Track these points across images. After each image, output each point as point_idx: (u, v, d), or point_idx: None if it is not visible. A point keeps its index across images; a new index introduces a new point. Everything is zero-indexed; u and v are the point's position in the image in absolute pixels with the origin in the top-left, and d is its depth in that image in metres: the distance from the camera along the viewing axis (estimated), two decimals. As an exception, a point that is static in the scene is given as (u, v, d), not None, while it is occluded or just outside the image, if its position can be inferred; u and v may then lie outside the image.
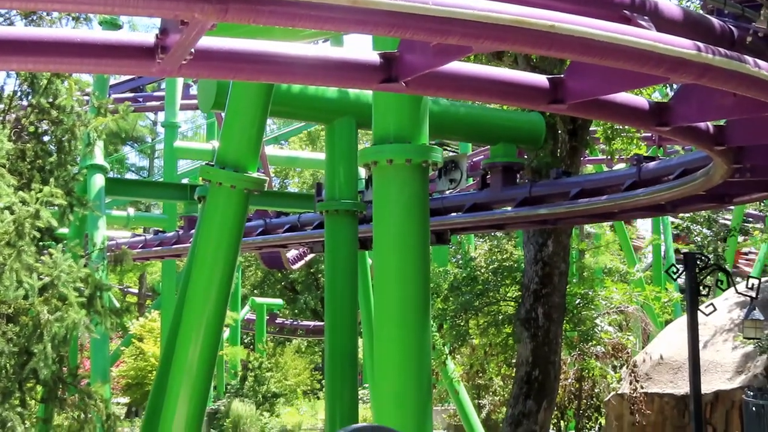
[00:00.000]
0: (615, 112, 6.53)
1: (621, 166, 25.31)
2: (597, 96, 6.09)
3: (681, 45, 5.04)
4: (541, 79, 6.27)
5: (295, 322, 42.24)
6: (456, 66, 5.75)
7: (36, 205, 9.39)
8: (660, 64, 5.08)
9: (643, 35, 4.99)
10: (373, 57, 5.66)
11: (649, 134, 23.26)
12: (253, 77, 6.71)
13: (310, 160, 31.68)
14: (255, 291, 47.62)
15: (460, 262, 25.26)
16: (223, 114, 11.68)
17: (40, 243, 10.45)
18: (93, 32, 5.10)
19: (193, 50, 4.82)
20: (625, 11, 5.59)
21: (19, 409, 9.87)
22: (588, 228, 28.35)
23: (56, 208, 10.24)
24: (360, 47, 6.92)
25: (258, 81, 9.40)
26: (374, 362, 8.27)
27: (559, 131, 14.46)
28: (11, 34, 4.91)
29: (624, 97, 6.49)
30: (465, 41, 4.66)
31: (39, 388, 10.62)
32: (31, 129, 11.09)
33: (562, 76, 6.20)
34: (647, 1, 5.77)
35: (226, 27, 6.45)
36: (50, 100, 11.09)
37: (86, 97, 12.61)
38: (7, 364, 9.86)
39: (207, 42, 5.12)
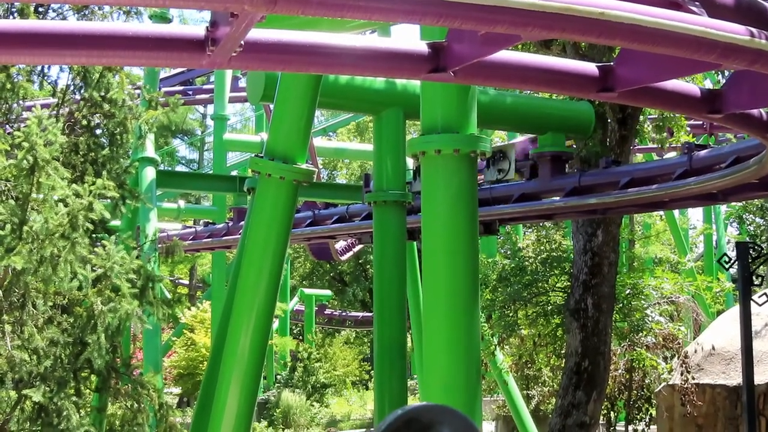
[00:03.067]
0: (666, 99, 6.45)
1: (671, 154, 25.09)
2: (647, 83, 6.02)
3: (733, 30, 4.96)
4: (590, 67, 6.21)
5: (343, 313, 42.40)
6: (504, 55, 5.72)
7: (89, 198, 9.52)
8: (712, 50, 5.00)
9: (694, 21, 4.92)
10: (422, 47, 5.65)
11: (701, 122, 23.08)
12: (302, 68, 6.73)
13: (358, 152, 31.73)
14: (304, 282, 47.85)
15: (508, 252, 25.18)
16: (271, 106, 11.75)
17: (94, 235, 10.59)
18: (144, 26, 5.16)
19: (242, 42, 4.84)
20: (676, -4, 5.52)
21: (74, 399, 10.03)
22: (638, 217, 28.12)
23: (109, 200, 10.37)
24: (407, 38, 6.91)
25: (307, 72, 9.43)
26: (423, 353, 8.27)
27: (609, 120, 14.33)
28: (66, 28, 4.97)
29: (675, 84, 6.41)
30: (513, 30, 4.63)
31: (93, 377, 10.78)
32: (84, 122, 11.23)
33: (611, 63, 6.14)
34: (698, -14, 5.69)
35: (273, 19, 6.50)
36: (102, 93, 11.22)
37: (137, 91, 12.74)
38: (62, 354, 10.02)
39: (256, 34, 5.14)
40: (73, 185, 9.70)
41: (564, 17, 4.59)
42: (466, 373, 7.88)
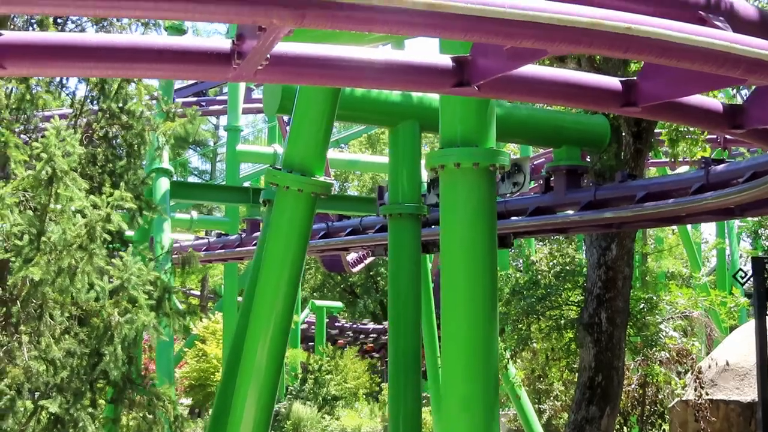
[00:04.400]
0: (689, 114, 6.43)
1: (684, 168, 25.03)
2: (670, 99, 6.01)
3: (759, 46, 4.94)
4: (613, 82, 6.20)
5: (354, 325, 42.37)
6: (527, 69, 5.72)
7: (107, 209, 9.54)
8: (737, 65, 4.99)
9: (720, 36, 4.90)
10: (445, 61, 5.65)
11: (714, 136, 23.03)
12: (327, 82, 6.74)
13: (370, 164, 31.75)
14: (315, 294, 47.84)
15: (521, 266, 25.13)
16: (285, 118, 11.79)
17: (111, 246, 10.62)
18: (171, 39, 5.17)
19: (268, 56, 4.85)
20: (700, 12, 5.50)
21: (90, 410, 10.03)
22: (650, 231, 28.04)
23: (126, 211, 10.40)
24: (430, 51, 6.93)
25: (332, 86, 9.44)
26: (442, 368, 8.24)
27: (624, 133, 14.30)
28: (93, 42, 4.99)
29: (697, 99, 6.40)
30: (540, 44, 4.63)
31: (108, 388, 10.78)
32: (101, 133, 11.27)
33: (635, 78, 6.13)
34: (722, 1, 5.68)
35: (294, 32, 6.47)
36: (120, 104, 11.27)
37: (152, 101, 12.80)
38: (79, 365, 10.03)
39: (281, 47, 5.14)
40: (91, 196, 9.73)
41: (591, 32, 4.58)
42: (484, 389, 7.85)
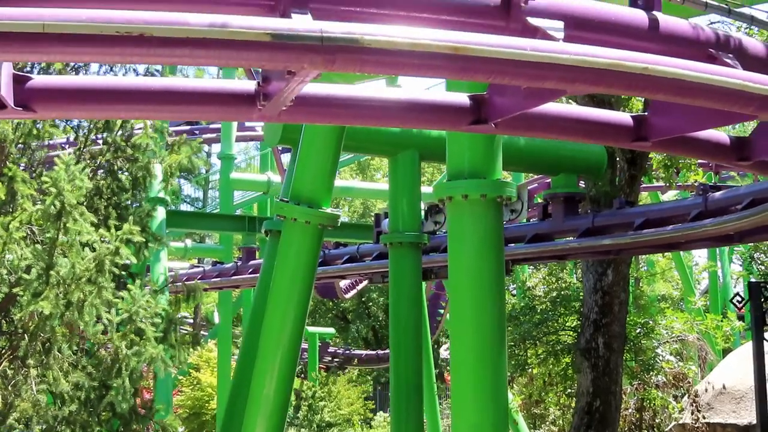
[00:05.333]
0: (698, 148, 6.55)
1: (672, 192, 25.19)
2: (681, 134, 6.13)
3: (771, 84, 5.06)
4: (624, 118, 6.32)
5: (347, 351, 42.26)
6: (544, 107, 5.83)
7: (116, 243, 9.60)
8: (749, 102, 5.11)
9: (734, 75, 5.03)
10: (463, 99, 5.76)
11: (706, 161, 23.19)
12: (349, 121, 6.84)
13: (363, 190, 31.82)
14: (307, 320, 47.69)
15: (514, 290, 25.20)
16: (280, 147, 11.83)
17: (120, 279, 10.66)
18: (197, 81, 5.26)
19: (293, 97, 4.95)
20: (710, 50, 5.64)
21: (97, 442, 10.06)
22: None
23: (133, 244, 10.45)
24: (444, 91, 7.07)
25: (353, 125, 9.54)
26: (452, 397, 8.30)
27: (618, 159, 14.42)
28: (120, 85, 5.08)
29: (706, 133, 6.52)
30: (561, 85, 4.74)
31: (113, 420, 10.78)
32: (106, 166, 11.33)
33: (645, 114, 6.25)
34: (731, 38, 5.82)
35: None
36: (125, 137, 11.34)
37: (150, 130, 12.86)
38: (86, 398, 10.05)
39: (305, 88, 5.24)
40: (100, 230, 9.78)
41: (609, 72, 4.69)
42: (494, 418, 7.90)
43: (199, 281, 11.96)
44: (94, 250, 9.65)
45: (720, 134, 6.76)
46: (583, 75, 4.64)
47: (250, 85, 5.14)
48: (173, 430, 10.74)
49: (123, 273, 10.90)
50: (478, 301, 8.01)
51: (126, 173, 11.36)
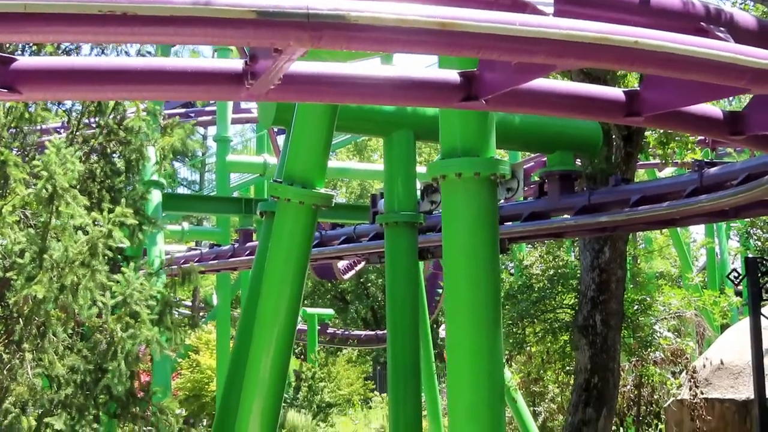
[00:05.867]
0: (690, 122, 6.51)
1: (670, 170, 25.17)
2: (674, 108, 6.08)
3: (764, 56, 5.02)
4: (616, 93, 6.28)
5: (346, 332, 42.37)
6: (535, 83, 5.79)
7: (109, 225, 9.57)
8: (742, 75, 5.06)
9: (725, 48, 4.98)
10: (453, 76, 5.71)
11: (703, 138, 23.18)
12: (338, 99, 6.80)
13: (361, 171, 31.76)
14: (305, 301, 47.80)
15: (510, 268, 25.23)
16: (275, 129, 11.82)
17: (113, 261, 10.64)
18: (184, 61, 5.21)
19: (281, 76, 4.91)
20: (701, 23, 5.59)
21: (94, 425, 10.05)
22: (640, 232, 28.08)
23: (127, 227, 10.42)
24: (435, 67, 6.97)
25: (343, 103, 9.49)
26: (448, 375, 8.29)
27: (614, 137, 14.40)
28: (106, 65, 5.04)
29: (698, 107, 6.48)
30: (550, 60, 4.70)
31: (110, 403, 10.78)
32: (99, 149, 11.28)
33: (637, 88, 6.21)
34: (722, 12, 5.77)
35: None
36: (118, 119, 11.29)
37: (143, 113, 12.81)
38: (82, 382, 10.04)
39: (293, 66, 5.20)
40: (93, 213, 9.75)
41: (599, 47, 4.65)
42: (491, 397, 7.90)
43: (195, 264, 11.92)
44: (87, 233, 9.61)
45: (713, 109, 6.73)
46: (573, 49, 4.60)
47: (237, 64, 5.10)
48: (171, 412, 10.73)
49: (117, 256, 10.87)
50: (472, 280, 7.98)
51: (119, 156, 11.31)
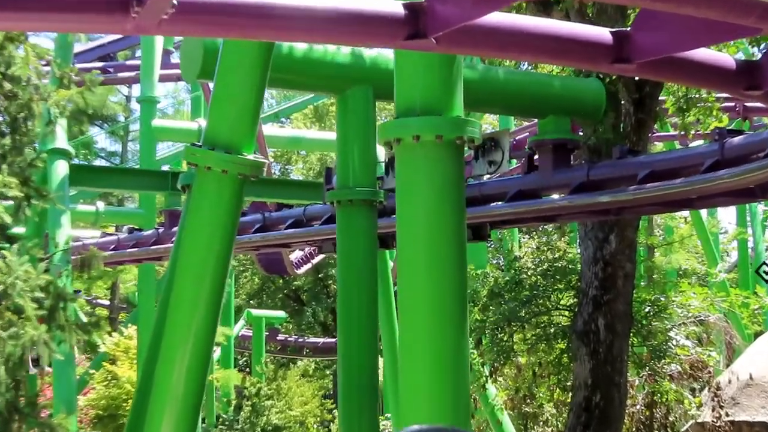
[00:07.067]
0: (693, 72, 6.46)
1: (698, 143, 25.23)
2: (671, 53, 6.03)
3: (776, -13, 4.98)
4: (602, 33, 6.21)
5: (300, 339, 42.36)
6: (498, 18, 5.71)
7: (-17, 197, 9.45)
8: (749, 11, 5.02)
9: (728, -25, 4.94)
10: (397, 9, 5.62)
11: (733, 104, 23.24)
12: (250, 34, 6.67)
13: (317, 141, 31.69)
14: (251, 302, 47.75)
15: (502, 263, 25.25)
16: (211, 85, 11.72)
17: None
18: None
19: (175, 1, 4.81)
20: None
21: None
22: (658, 219, 28.21)
23: (11, 201, 10.29)
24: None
25: (256, 39, 9.38)
26: (399, 388, 8.25)
27: (622, 101, 14.39)
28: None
29: (704, 54, 6.42)
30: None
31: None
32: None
33: (628, 29, 6.16)
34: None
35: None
36: (2, 69, 11.13)
37: (46, 68, 12.63)
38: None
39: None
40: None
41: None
42: (453, 412, 7.87)
43: (97, 250, 11.79)
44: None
45: (724, 57, 6.69)
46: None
47: (121, -11, 4.99)
48: (64, 431, 10.62)
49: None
50: (433, 269, 7.95)
51: (2, 113, 11.16)
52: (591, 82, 14.13)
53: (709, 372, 18.11)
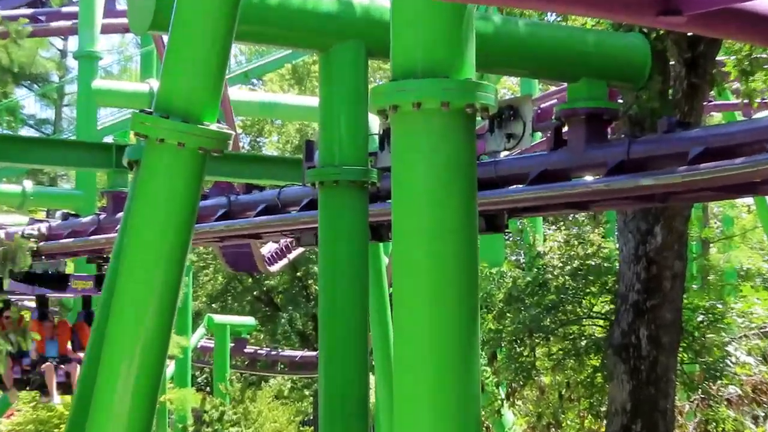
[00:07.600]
0: (757, 28, 6.49)
1: (765, 113, 25.26)
2: (730, 3, 6.05)
3: None
4: (646, -22, 6.24)
5: (273, 352, 42.49)
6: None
7: None
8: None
9: None
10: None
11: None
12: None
13: (296, 108, 31.73)
14: (213, 305, 47.89)
15: (522, 260, 25.33)
16: (165, 38, 11.67)
17: None
18: None
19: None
20: None
21: None
22: (714, 208, 28.30)
23: None
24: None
25: None
26: (394, 412, 8.28)
27: (671, 62, 14.43)
28: None
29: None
30: None
31: None
32: None
33: (678, -25, 6.18)
34: None
35: None
36: None
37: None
38: None
39: None
40: None
41: None
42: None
43: (23, 239, 11.83)
44: None
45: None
46: None
47: None
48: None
49: None
50: (436, 265, 7.96)
51: None
52: (633, 38, 14.15)
53: (775, 396, 18.24)
